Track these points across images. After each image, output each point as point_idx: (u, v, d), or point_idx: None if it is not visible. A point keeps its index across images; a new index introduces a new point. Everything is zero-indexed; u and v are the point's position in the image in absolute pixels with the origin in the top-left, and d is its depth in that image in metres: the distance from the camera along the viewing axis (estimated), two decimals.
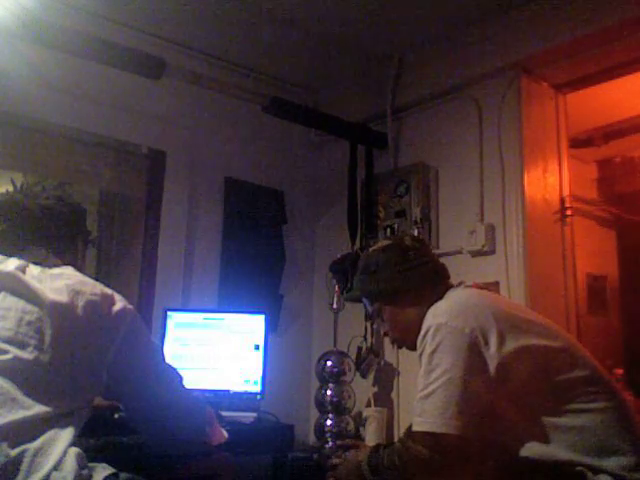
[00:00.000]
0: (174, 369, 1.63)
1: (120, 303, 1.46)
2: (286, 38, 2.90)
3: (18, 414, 1.26)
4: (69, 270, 1.48)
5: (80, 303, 1.38)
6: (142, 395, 1.52)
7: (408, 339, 1.60)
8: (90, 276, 1.50)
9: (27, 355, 1.31)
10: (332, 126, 3.05)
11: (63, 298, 1.37)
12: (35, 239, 1.54)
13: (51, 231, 1.57)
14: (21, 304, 1.36)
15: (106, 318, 1.41)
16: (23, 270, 1.43)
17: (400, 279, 1.63)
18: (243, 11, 2.69)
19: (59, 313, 1.35)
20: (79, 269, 1.56)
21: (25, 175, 2.55)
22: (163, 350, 1.74)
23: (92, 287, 1.44)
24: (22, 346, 1.32)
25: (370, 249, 1.75)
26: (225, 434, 1.76)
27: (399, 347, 1.72)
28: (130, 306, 1.48)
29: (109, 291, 1.47)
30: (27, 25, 2.21)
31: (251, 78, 3.15)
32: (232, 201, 3.06)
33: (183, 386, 1.62)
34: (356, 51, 3.02)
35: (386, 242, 1.72)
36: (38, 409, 1.28)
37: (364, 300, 1.76)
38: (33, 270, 1.45)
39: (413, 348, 1.55)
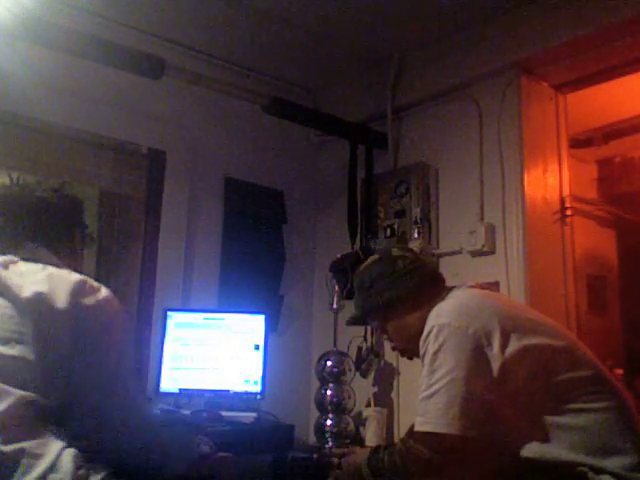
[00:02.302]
0: (136, 388, 1.50)
1: (102, 294, 1.39)
2: (286, 38, 2.90)
3: (3, 403, 1.24)
4: (57, 268, 1.44)
5: (61, 296, 1.34)
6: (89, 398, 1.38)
7: (416, 347, 1.57)
8: (89, 274, 1.48)
9: (11, 351, 1.29)
10: (332, 126, 3.05)
11: (44, 290, 1.33)
12: (31, 234, 1.51)
13: (48, 224, 1.53)
14: (1, 300, 1.34)
15: (84, 309, 1.35)
16: (6, 266, 1.40)
17: (395, 288, 1.64)
18: (243, 11, 2.68)
19: (39, 307, 1.32)
20: (77, 263, 1.54)
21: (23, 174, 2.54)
22: (129, 360, 1.52)
23: (75, 280, 1.38)
24: (4, 342, 1.30)
25: (360, 267, 1.77)
26: (206, 449, 1.67)
27: (410, 358, 1.71)
28: (113, 299, 1.41)
29: (95, 284, 1.41)
30: (27, 25, 2.21)
31: (251, 78, 3.14)
32: (232, 201, 3.06)
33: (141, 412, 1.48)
34: (356, 51, 3.01)
35: (374, 257, 1.74)
36: (24, 394, 1.26)
37: (368, 318, 1.77)
38: (22, 266, 1.42)
39: None
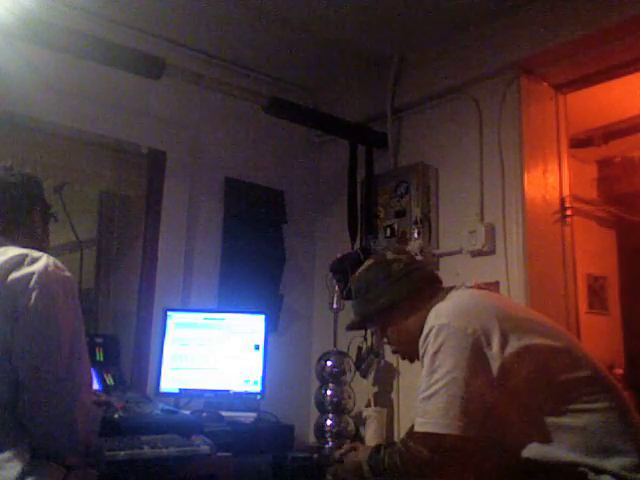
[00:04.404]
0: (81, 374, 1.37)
1: (39, 265, 1.31)
2: (286, 38, 2.90)
3: None
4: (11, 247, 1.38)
5: (5, 274, 1.29)
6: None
7: (416, 350, 1.55)
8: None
9: None
10: (332, 126, 3.05)
11: None
12: None
13: (2, 205, 1.45)
14: None
15: (13, 284, 1.29)
16: None
17: (392, 292, 1.63)
18: (243, 11, 2.69)
19: None
20: (39, 244, 1.47)
21: None
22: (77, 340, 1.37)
23: (11, 255, 1.32)
24: None
25: (355, 273, 1.75)
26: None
27: (411, 361, 1.70)
28: (52, 269, 1.32)
29: (35, 255, 1.34)
30: (27, 25, 2.21)
31: (251, 78, 3.14)
32: (232, 201, 3.06)
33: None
34: (356, 51, 3.01)
35: (368, 262, 1.73)
36: None
37: (367, 324, 1.77)
38: None
39: None
